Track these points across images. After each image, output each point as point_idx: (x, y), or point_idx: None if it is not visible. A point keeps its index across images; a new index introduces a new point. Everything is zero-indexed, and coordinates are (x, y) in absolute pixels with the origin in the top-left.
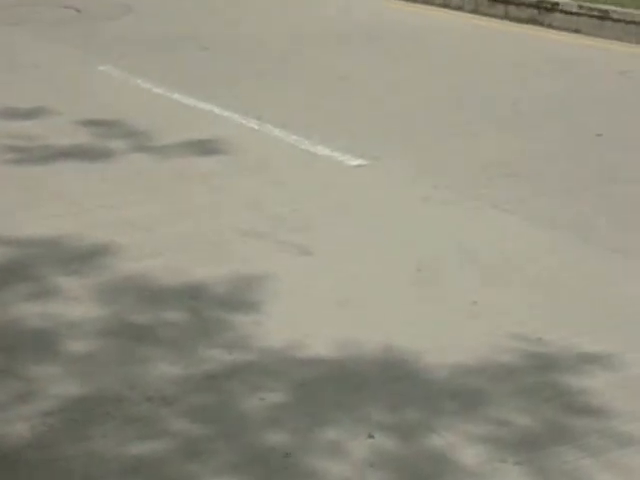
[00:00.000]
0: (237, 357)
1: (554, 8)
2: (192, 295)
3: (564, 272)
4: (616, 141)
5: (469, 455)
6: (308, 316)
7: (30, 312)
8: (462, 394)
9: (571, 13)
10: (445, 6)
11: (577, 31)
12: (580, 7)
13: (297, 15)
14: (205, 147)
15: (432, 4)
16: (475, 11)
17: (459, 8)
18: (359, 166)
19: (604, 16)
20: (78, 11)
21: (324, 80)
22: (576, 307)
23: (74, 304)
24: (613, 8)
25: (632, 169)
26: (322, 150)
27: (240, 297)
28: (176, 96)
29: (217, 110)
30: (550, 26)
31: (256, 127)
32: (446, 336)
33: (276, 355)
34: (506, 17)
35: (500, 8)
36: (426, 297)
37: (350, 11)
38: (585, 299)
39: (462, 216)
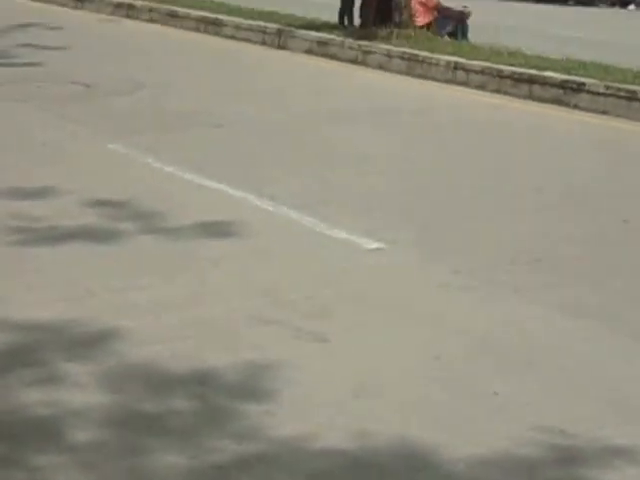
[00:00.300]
0: (247, 448)
1: (580, 88)
2: (201, 382)
3: (589, 362)
4: None
5: None
6: (322, 405)
7: (34, 399)
8: None
9: (598, 94)
10: (465, 84)
11: (604, 112)
12: (607, 87)
13: (310, 92)
14: (217, 229)
15: (454, 83)
16: (498, 90)
17: (481, 87)
18: (376, 250)
19: (632, 97)
20: (87, 86)
21: (340, 159)
22: (601, 399)
23: (79, 391)
24: None
25: None
26: (338, 233)
27: (251, 385)
28: (188, 176)
29: (230, 190)
30: (576, 107)
31: (270, 208)
32: (465, 427)
33: (288, 446)
34: (530, 97)
35: (524, 88)
36: (445, 387)
37: (363, 87)
38: (611, 391)
39: (483, 303)
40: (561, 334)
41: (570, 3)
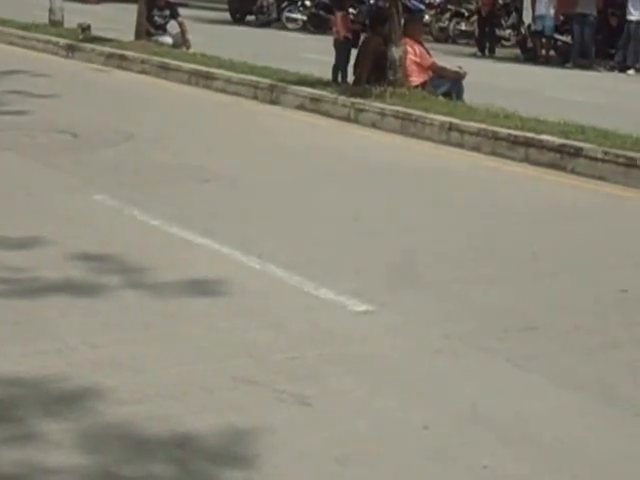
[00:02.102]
0: None
1: (578, 153)
2: (180, 445)
3: (584, 437)
4: None
5: None
6: (304, 473)
7: (6, 457)
8: None
9: (596, 159)
10: (460, 146)
11: (601, 178)
12: (605, 153)
13: (301, 148)
14: (202, 286)
15: (449, 144)
16: (493, 153)
17: (476, 149)
18: (365, 312)
19: (630, 164)
20: (75, 136)
21: (329, 218)
22: (597, 477)
23: (54, 450)
24: None
25: None
26: (326, 293)
27: (231, 450)
28: (174, 229)
29: (217, 246)
30: (573, 172)
31: (257, 266)
32: None
33: None
34: (526, 160)
35: (520, 151)
36: (432, 457)
37: (355, 145)
38: (607, 470)
39: (474, 371)
40: (554, 406)
41: (568, 66)
